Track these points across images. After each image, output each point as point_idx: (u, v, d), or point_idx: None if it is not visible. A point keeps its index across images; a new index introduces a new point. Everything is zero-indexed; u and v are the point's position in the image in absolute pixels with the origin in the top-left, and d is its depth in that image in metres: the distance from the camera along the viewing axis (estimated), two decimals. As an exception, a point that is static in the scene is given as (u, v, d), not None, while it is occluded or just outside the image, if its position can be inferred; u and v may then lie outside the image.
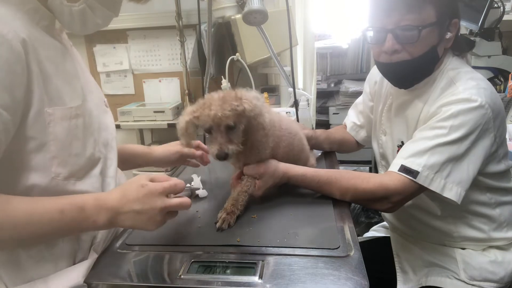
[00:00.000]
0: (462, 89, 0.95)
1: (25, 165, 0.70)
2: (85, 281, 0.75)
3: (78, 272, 0.76)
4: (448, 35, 0.99)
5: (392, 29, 0.96)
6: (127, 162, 1.07)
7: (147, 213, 0.71)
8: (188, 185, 1.08)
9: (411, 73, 1.02)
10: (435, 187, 0.92)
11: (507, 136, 1.08)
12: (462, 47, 1.08)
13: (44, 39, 0.73)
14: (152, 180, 0.75)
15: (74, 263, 0.79)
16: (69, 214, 0.67)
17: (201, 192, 1.05)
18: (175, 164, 1.18)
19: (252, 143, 0.94)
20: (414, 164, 0.93)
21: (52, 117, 0.71)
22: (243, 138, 0.91)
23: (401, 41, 0.96)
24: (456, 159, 0.92)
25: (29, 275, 0.74)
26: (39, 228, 0.66)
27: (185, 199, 0.77)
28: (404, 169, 0.93)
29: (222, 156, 0.85)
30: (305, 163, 1.11)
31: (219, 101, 0.85)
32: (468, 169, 0.93)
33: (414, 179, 0.92)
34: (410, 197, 0.96)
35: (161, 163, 1.14)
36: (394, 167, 0.96)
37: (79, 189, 0.77)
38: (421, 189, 0.94)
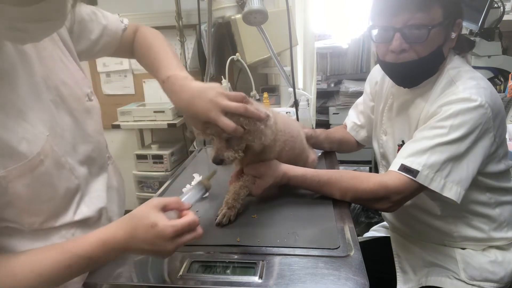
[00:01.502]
0: (462, 88, 0.95)
1: None
2: (86, 282, 0.75)
3: (77, 277, 0.75)
4: (453, 35, 0.99)
5: (400, 28, 0.95)
6: (147, 65, 0.96)
7: (158, 253, 0.67)
8: (188, 185, 1.09)
9: (418, 72, 1.02)
10: (435, 186, 0.92)
11: (507, 136, 1.08)
12: (463, 47, 1.08)
13: None
14: (164, 208, 0.68)
15: None
16: (77, 267, 0.65)
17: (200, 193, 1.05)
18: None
19: (261, 148, 0.94)
20: (414, 163, 0.93)
21: (8, 179, 0.62)
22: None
23: (409, 40, 0.96)
24: (456, 159, 0.92)
25: None
26: (47, 285, 0.65)
27: (197, 234, 0.69)
28: (404, 168, 0.93)
29: (217, 162, 0.84)
30: (305, 163, 1.11)
31: None
32: (467, 168, 0.93)
33: (414, 178, 0.92)
34: (410, 197, 0.97)
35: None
36: (394, 166, 0.96)
37: (64, 223, 0.74)
38: (421, 188, 0.94)
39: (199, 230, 0.69)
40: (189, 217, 0.68)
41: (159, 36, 1.01)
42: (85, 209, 0.79)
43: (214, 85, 0.80)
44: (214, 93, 0.77)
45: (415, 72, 1.01)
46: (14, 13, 0.51)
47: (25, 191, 0.65)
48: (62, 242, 0.68)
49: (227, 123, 0.76)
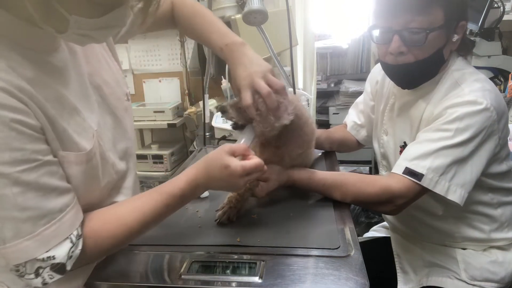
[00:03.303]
0: (468, 91, 0.95)
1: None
2: (86, 282, 0.75)
3: (78, 276, 0.75)
4: (455, 37, 0.98)
5: (399, 31, 0.94)
6: (196, 33, 0.98)
7: (231, 187, 0.83)
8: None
9: (416, 75, 1.02)
10: (439, 189, 0.92)
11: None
12: (468, 49, 1.07)
13: (41, 75, 0.65)
14: (233, 154, 0.78)
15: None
16: (173, 204, 0.76)
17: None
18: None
19: (283, 153, 0.97)
20: (419, 166, 0.92)
21: (65, 159, 0.67)
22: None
23: (407, 43, 0.95)
24: (460, 162, 0.92)
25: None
26: (150, 226, 0.75)
27: (260, 165, 0.79)
28: (408, 171, 0.93)
29: (219, 108, 0.89)
30: (307, 162, 1.12)
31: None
32: (471, 171, 0.93)
33: (418, 182, 0.92)
34: (414, 199, 0.96)
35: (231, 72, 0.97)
36: (398, 169, 0.96)
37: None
38: (425, 191, 0.93)
39: (265, 168, 0.81)
40: (256, 160, 0.79)
41: (196, 2, 1.03)
42: (115, 199, 0.83)
43: (266, 64, 0.87)
44: (259, 70, 0.84)
45: (413, 74, 1.01)
46: (87, 24, 0.59)
47: (75, 177, 0.69)
48: (156, 187, 0.78)
49: (246, 97, 0.82)
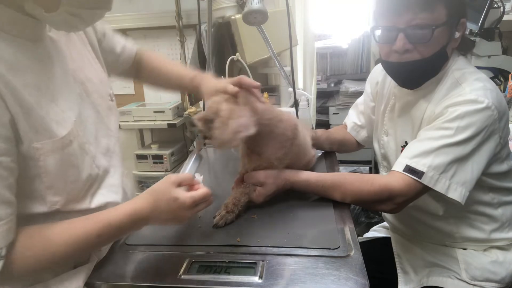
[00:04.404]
0: (469, 90, 0.95)
1: (24, 192, 0.68)
2: (86, 282, 0.75)
3: (79, 276, 0.75)
4: (457, 34, 0.99)
5: (404, 28, 0.94)
6: (158, 82, 1.09)
7: (177, 221, 0.78)
8: (197, 174, 1.09)
9: (421, 73, 1.01)
10: (439, 187, 0.92)
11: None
12: (468, 47, 1.07)
13: (21, 62, 0.66)
14: (179, 184, 0.77)
15: (74, 268, 0.78)
16: (107, 236, 0.72)
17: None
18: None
19: (268, 158, 0.95)
20: (419, 164, 0.92)
21: (41, 151, 0.67)
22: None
23: (413, 40, 0.95)
24: (461, 160, 0.92)
25: (29, 281, 0.73)
26: (77, 253, 0.71)
27: (210, 202, 0.81)
28: (409, 169, 0.93)
29: (189, 120, 0.91)
30: (307, 164, 1.11)
31: (225, 96, 0.87)
32: (472, 170, 0.93)
33: (419, 180, 0.92)
34: (414, 198, 0.96)
35: (200, 93, 1.06)
36: (399, 166, 0.95)
37: (81, 209, 0.77)
38: (426, 189, 0.93)
39: (211, 199, 0.81)
40: (203, 190, 0.79)
41: (162, 56, 1.20)
42: (101, 198, 0.82)
43: (226, 81, 0.92)
44: (224, 82, 0.91)
45: (418, 72, 1.01)
46: (78, 1, 0.64)
47: (54, 166, 0.69)
48: (93, 213, 0.73)
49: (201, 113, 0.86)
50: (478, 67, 1.86)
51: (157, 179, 2.47)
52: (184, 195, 0.75)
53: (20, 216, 0.67)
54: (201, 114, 0.85)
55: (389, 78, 1.15)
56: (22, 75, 0.65)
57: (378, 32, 1.01)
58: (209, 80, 1.02)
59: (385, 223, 1.40)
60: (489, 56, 1.93)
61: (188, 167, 0.94)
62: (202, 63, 2.22)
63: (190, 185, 0.80)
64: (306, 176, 1.00)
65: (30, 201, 0.70)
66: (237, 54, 1.83)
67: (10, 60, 0.64)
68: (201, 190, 0.79)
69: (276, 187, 0.97)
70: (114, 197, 0.85)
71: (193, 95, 2.64)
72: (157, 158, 2.43)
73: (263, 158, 0.95)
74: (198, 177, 1.09)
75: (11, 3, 0.64)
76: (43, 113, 0.68)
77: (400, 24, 0.95)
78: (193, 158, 0.98)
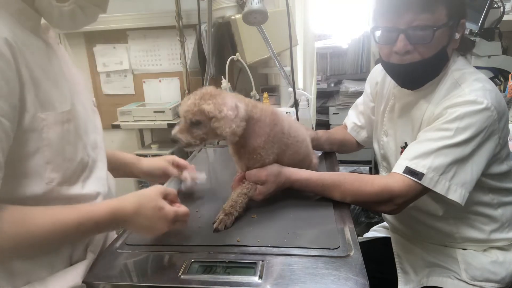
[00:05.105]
0: (468, 91, 0.95)
1: (20, 171, 0.69)
2: (85, 281, 0.75)
3: (76, 272, 0.76)
4: (457, 35, 0.99)
5: (405, 29, 0.94)
6: (115, 169, 1.07)
7: (152, 230, 0.78)
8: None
9: (422, 74, 1.01)
10: (439, 189, 0.91)
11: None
12: (468, 47, 1.07)
13: (31, 41, 0.72)
14: (165, 197, 0.79)
15: (70, 265, 0.79)
16: (85, 228, 0.70)
17: (201, 177, 1.08)
18: (159, 180, 1.11)
19: (253, 148, 0.94)
20: (419, 166, 0.92)
21: (45, 122, 0.70)
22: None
23: (413, 41, 0.95)
24: (461, 161, 0.92)
25: (25, 278, 0.73)
26: (55, 241, 0.69)
27: (187, 215, 0.83)
28: (409, 170, 0.93)
29: (174, 140, 0.90)
30: (308, 165, 1.11)
31: (194, 96, 0.88)
32: (472, 171, 0.93)
33: (419, 181, 0.92)
34: (414, 199, 0.96)
35: (146, 176, 1.14)
36: (399, 168, 0.95)
37: (73, 194, 0.77)
38: (425, 190, 0.93)
39: (188, 221, 0.84)
40: (185, 209, 0.82)
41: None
42: (92, 187, 0.83)
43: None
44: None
45: (419, 73, 1.01)
46: None
47: (55, 140, 0.72)
48: (77, 205, 0.74)
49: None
50: (478, 67, 1.86)
51: (157, 179, 2.48)
52: (169, 207, 0.77)
53: (12, 199, 0.67)
54: (180, 126, 0.88)
55: (388, 78, 1.14)
56: (32, 53, 0.70)
57: (378, 33, 1.01)
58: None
59: (385, 223, 1.40)
60: (489, 56, 1.93)
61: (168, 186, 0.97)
62: (202, 63, 2.22)
63: (172, 201, 0.82)
64: (307, 175, 1.00)
65: (26, 180, 0.70)
66: (237, 54, 1.83)
67: (22, 38, 0.68)
68: (184, 208, 0.81)
69: (276, 185, 0.97)
70: (102, 189, 0.87)
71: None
72: (157, 158, 2.43)
73: (249, 150, 0.94)
74: (201, 175, 1.10)
75: None
76: (47, 89, 0.72)
77: (401, 25, 0.94)
78: (173, 182, 1.02)
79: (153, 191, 0.78)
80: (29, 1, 0.72)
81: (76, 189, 0.79)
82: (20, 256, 0.72)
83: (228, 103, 0.86)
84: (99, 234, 0.84)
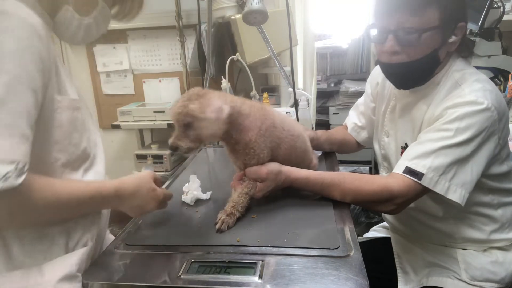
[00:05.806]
0: (468, 91, 0.95)
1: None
2: (85, 281, 0.75)
3: (71, 260, 0.76)
4: (453, 38, 0.98)
5: (394, 30, 0.95)
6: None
7: (144, 209, 0.86)
8: (186, 184, 1.08)
9: (410, 75, 1.02)
10: (439, 189, 0.92)
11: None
12: (469, 50, 1.07)
13: (49, 36, 0.76)
14: (155, 181, 0.88)
15: (66, 253, 0.79)
16: (95, 201, 0.79)
17: (204, 196, 1.06)
18: None
19: (245, 143, 0.94)
20: (419, 166, 0.92)
21: (60, 104, 0.76)
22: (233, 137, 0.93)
23: (401, 43, 0.96)
24: (460, 162, 0.92)
25: (22, 263, 0.74)
26: (74, 209, 0.76)
27: (170, 196, 0.93)
28: (408, 170, 0.93)
29: (173, 149, 0.90)
30: (308, 165, 1.11)
31: (182, 98, 0.88)
32: (472, 171, 0.93)
33: (418, 181, 0.92)
34: (414, 199, 0.96)
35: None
36: (399, 168, 0.95)
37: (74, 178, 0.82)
38: (425, 191, 0.93)
39: (167, 203, 0.93)
40: (170, 192, 0.94)
41: None
42: (91, 178, 0.86)
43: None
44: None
45: (407, 74, 1.01)
46: (106, 13, 0.84)
47: (66, 122, 0.77)
48: (88, 180, 0.83)
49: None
50: (478, 67, 1.86)
51: (157, 179, 2.49)
52: (159, 189, 0.88)
53: None
54: (176, 134, 0.88)
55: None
56: (52, 45, 0.75)
57: (373, 32, 1.02)
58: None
59: (385, 223, 1.40)
60: (489, 56, 1.93)
61: None
62: (202, 63, 2.22)
63: (158, 186, 0.90)
64: (307, 173, 1.00)
65: (36, 156, 0.70)
66: (237, 54, 1.83)
67: (46, 32, 0.72)
68: (169, 191, 0.92)
69: (276, 183, 0.97)
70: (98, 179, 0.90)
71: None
72: (157, 158, 2.44)
73: (242, 145, 0.94)
74: (194, 179, 1.09)
75: (47, 4, 0.77)
76: (63, 76, 0.78)
77: (391, 25, 0.95)
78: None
79: (148, 176, 0.87)
80: (52, 13, 0.78)
81: (77, 176, 0.82)
82: (44, 222, 0.77)
83: (213, 104, 0.86)
84: (103, 209, 0.90)
